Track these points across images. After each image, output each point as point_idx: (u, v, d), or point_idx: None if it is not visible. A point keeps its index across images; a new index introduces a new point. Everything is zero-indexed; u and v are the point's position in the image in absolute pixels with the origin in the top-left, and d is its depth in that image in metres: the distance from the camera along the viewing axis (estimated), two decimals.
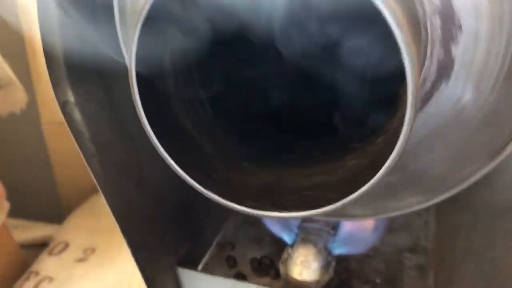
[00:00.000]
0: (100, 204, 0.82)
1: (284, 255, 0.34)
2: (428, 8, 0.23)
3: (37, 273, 0.70)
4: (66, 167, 0.86)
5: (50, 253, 0.73)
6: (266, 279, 0.38)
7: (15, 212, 0.90)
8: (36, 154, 0.85)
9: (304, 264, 0.30)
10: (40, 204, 0.92)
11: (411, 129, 0.18)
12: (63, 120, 0.86)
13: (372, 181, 0.19)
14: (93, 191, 0.86)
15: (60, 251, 0.74)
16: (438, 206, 0.34)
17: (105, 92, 0.30)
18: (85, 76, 0.28)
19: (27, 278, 0.70)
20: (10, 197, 0.72)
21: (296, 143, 0.30)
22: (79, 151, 0.28)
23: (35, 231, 0.86)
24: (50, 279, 0.69)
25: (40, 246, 0.80)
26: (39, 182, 0.90)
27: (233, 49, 0.29)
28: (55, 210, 0.90)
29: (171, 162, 0.23)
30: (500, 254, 0.27)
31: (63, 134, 0.84)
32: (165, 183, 0.23)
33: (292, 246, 0.34)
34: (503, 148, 0.26)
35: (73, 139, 0.28)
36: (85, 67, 0.28)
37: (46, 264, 0.72)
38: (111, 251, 0.73)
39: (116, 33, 0.29)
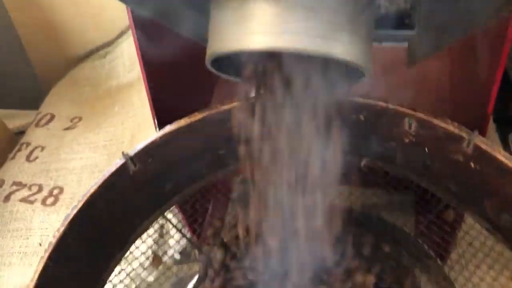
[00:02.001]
0: (82, 75, 0.80)
1: None
2: None
3: (28, 144, 0.71)
4: (37, 43, 0.83)
5: (37, 125, 0.73)
6: None
7: None
8: (3, 33, 0.81)
9: None
10: (20, 90, 0.89)
11: None
12: None
13: None
14: (70, 65, 0.84)
15: (47, 122, 0.74)
16: None
17: None
18: None
19: (19, 149, 0.70)
20: None
21: None
22: None
23: (20, 119, 0.85)
24: (42, 148, 0.70)
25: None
26: (14, 64, 0.87)
27: None
28: (36, 95, 0.88)
29: None
30: None
31: (26, 4, 0.79)
32: None
33: None
34: None
35: None
36: None
37: (35, 135, 0.72)
38: (98, 118, 0.73)
39: None
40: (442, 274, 0.39)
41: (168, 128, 0.39)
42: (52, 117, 0.74)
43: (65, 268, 0.36)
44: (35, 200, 0.63)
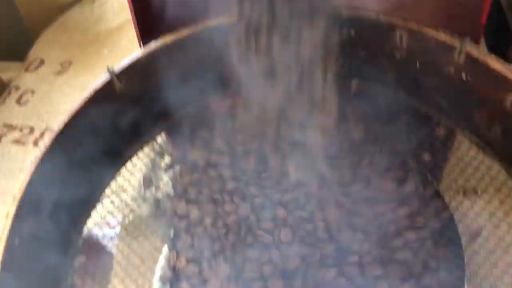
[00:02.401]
0: (71, 21, 0.79)
1: None
2: None
3: (17, 88, 0.70)
4: None
5: (27, 70, 0.72)
6: None
7: None
8: None
9: None
10: (8, 41, 0.87)
11: None
12: None
13: None
14: (59, 14, 0.82)
15: (37, 67, 0.72)
16: None
17: None
18: None
19: (9, 93, 0.69)
20: None
21: None
22: None
23: (10, 71, 0.84)
24: (32, 92, 0.69)
25: None
26: (2, 15, 0.85)
27: None
28: (26, 46, 0.86)
29: None
30: None
31: None
32: None
33: None
34: None
35: None
36: None
37: (25, 80, 0.71)
38: (89, 61, 0.72)
39: None
40: (433, 189, 0.39)
41: (153, 45, 0.38)
42: (42, 62, 0.73)
43: (52, 185, 0.35)
44: (27, 141, 0.63)
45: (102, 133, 0.39)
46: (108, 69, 0.36)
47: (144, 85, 0.39)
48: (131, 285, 0.37)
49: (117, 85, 0.37)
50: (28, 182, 0.33)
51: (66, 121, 0.35)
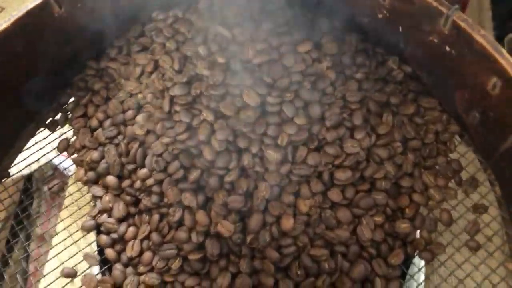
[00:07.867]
0: None
1: None
2: None
3: None
4: None
5: None
6: None
7: None
8: None
9: None
10: None
11: None
12: None
13: None
14: None
15: None
16: None
17: None
18: None
19: None
20: None
21: None
22: None
23: None
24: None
25: None
26: None
27: None
28: None
29: None
30: None
31: None
32: None
33: None
34: None
35: None
36: None
37: None
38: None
39: None
40: None
41: None
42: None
43: None
44: None
45: (38, 59, 0.35)
46: None
47: (88, 12, 0.35)
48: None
49: (56, 9, 0.33)
50: None
51: None
